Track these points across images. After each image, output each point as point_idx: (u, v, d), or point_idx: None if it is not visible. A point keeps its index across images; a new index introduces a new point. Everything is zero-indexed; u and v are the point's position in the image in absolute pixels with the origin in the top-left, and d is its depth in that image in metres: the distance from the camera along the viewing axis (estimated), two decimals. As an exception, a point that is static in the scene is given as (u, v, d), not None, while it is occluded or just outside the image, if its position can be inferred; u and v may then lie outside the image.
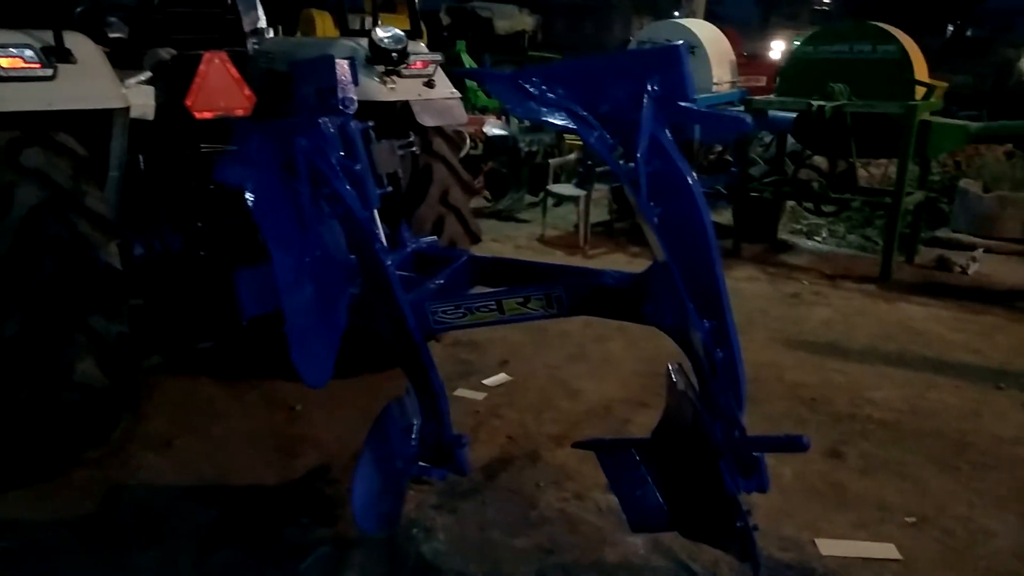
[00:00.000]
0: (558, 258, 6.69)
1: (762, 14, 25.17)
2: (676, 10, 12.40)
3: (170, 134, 3.60)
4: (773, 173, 6.97)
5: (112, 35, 4.03)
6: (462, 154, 4.43)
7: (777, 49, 16.90)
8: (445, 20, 17.30)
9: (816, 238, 7.35)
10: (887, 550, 2.82)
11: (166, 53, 3.53)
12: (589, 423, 3.75)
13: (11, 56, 2.90)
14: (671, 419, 2.40)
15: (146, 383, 3.97)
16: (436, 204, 3.94)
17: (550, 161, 7.96)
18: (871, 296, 5.72)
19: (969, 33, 18.33)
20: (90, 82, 3.08)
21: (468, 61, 12.19)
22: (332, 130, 2.56)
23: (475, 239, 4.14)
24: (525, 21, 18.37)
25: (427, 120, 3.84)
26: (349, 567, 2.73)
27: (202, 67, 3.45)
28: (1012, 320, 5.21)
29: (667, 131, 2.11)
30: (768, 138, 7.94)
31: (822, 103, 5.87)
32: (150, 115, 3.35)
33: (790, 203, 7.41)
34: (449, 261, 2.97)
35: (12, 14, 3.10)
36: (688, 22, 7.22)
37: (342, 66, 2.76)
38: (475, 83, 12.10)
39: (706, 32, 6.88)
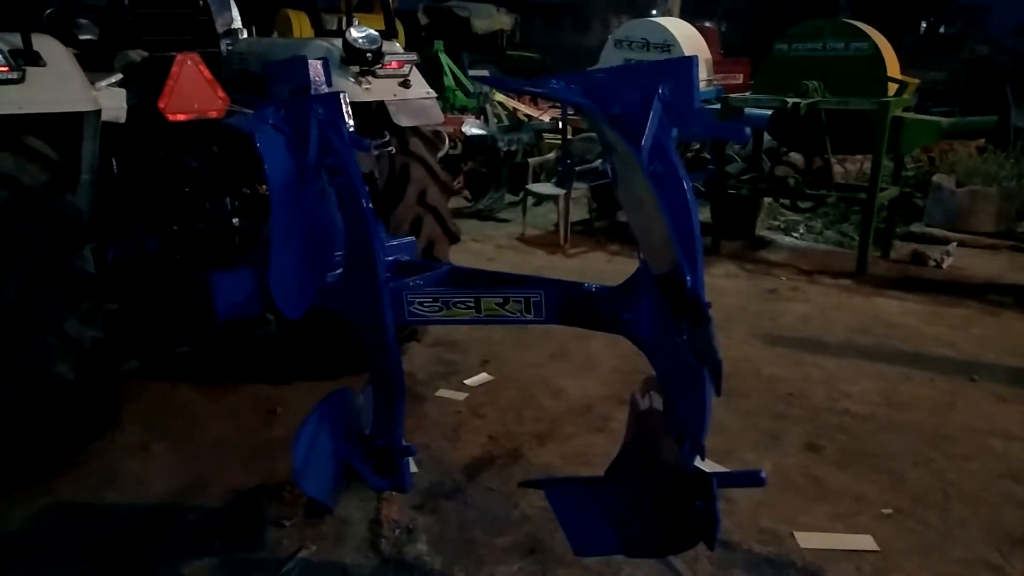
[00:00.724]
0: (538, 257, 6.71)
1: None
2: (653, 9, 12.46)
3: (143, 137, 3.57)
4: (750, 170, 7.03)
5: (82, 37, 3.97)
6: (440, 154, 4.43)
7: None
8: (423, 20, 17.27)
9: (793, 234, 7.42)
10: (864, 541, 2.86)
11: (137, 55, 3.49)
12: (571, 421, 3.76)
13: None
14: (635, 443, 2.40)
15: (123, 388, 3.94)
16: (414, 204, 3.93)
17: (530, 160, 7.97)
18: (847, 291, 5.78)
19: (942, 30, 18.58)
20: (60, 85, 3.04)
21: (446, 61, 12.19)
22: (345, 107, 2.60)
23: (454, 239, 4.13)
24: (503, 20, 18.37)
25: (403, 120, 3.82)
26: (331, 569, 2.72)
27: (174, 69, 3.41)
28: (985, 313, 5.30)
29: (672, 135, 2.13)
30: (745, 135, 7.99)
31: (797, 100, 5.93)
32: (122, 118, 3.31)
33: (767, 200, 7.47)
34: (430, 270, 2.97)
35: None
36: (664, 20, 7.26)
37: (315, 67, 2.76)
38: (453, 83, 12.12)
39: (682, 30, 6.92)
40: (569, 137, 7.32)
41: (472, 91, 11.90)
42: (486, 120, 8.39)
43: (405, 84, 3.90)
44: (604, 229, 7.39)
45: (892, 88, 5.94)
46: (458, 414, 3.80)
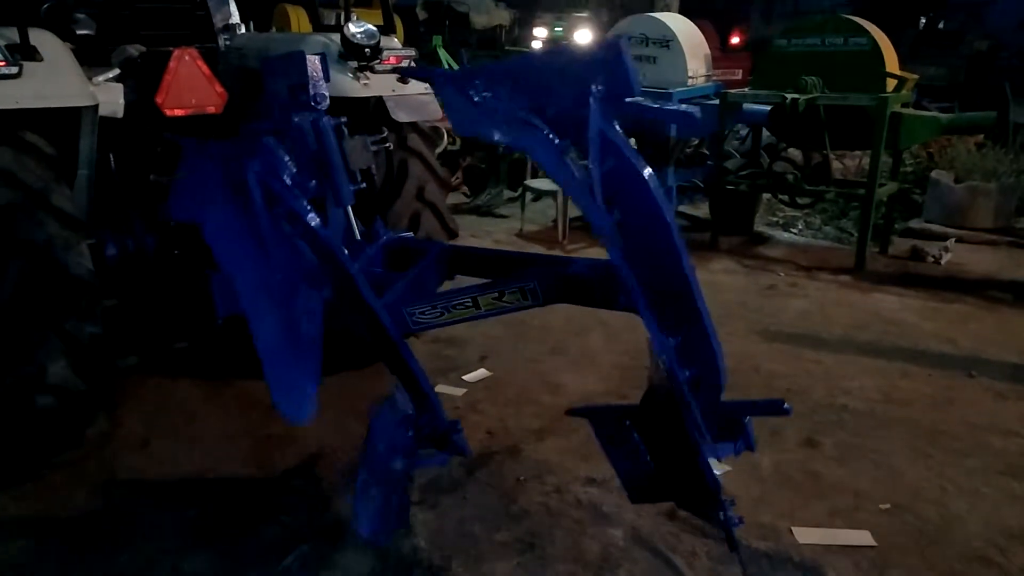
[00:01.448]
0: (537, 253, 6.68)
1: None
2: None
3: (141, 132, 3.56)
4: (749, 166, 7.02)
5: (79, 32, 3.95)
6: (439, 150, 4.42)
7: (539, 37, 15.80)
8: (421, 15, 17.21)
9: (792, 230, 7.41)
10: (862, 537, 2.86)
11: (135, 50, 3.49)
12: (570, 417, 3.75)
13: None
14: (654, 388, 2.43)
15: (122, 384, 3.93)
16: (412, 200, 3.93)
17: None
18: (846, 287, 5.78)
19: (941, 26, 18.54)
20: (57, 80, 3.03)
21: (444, 56, 12.14)
22: (280, 150, 2.52)
23: (452, 235, 4.13)
24: (502, 16, 18.32)
25: (401, 116, 3.82)
26: (330, 565, 2.73)
27: (172, 64, 3.41)
28: (983, 309, 5.30)
29: (616, 126, 2.10)
30: (744, 131, 7.99)
31: (795, 96, 5.92)
32: (120, 113, 3.31)
33: (766, 195, 7.47)
34: (421, 253, 2.96)
35: None
36: (663, 16, 7.22)
37: (313, 62, 2.74)
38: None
39: (681, 26, 6.89)
40: (568, 133, 7.29)
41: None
42: (485, 115, 8.37)
43: (403, 80, 3.89)
44: (603, 225, 7.37)
45: (891, 84, 5.93)
46: (456, 410, 3.80)
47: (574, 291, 2.51)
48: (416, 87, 3.93)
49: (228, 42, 4.26)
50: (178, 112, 3.45)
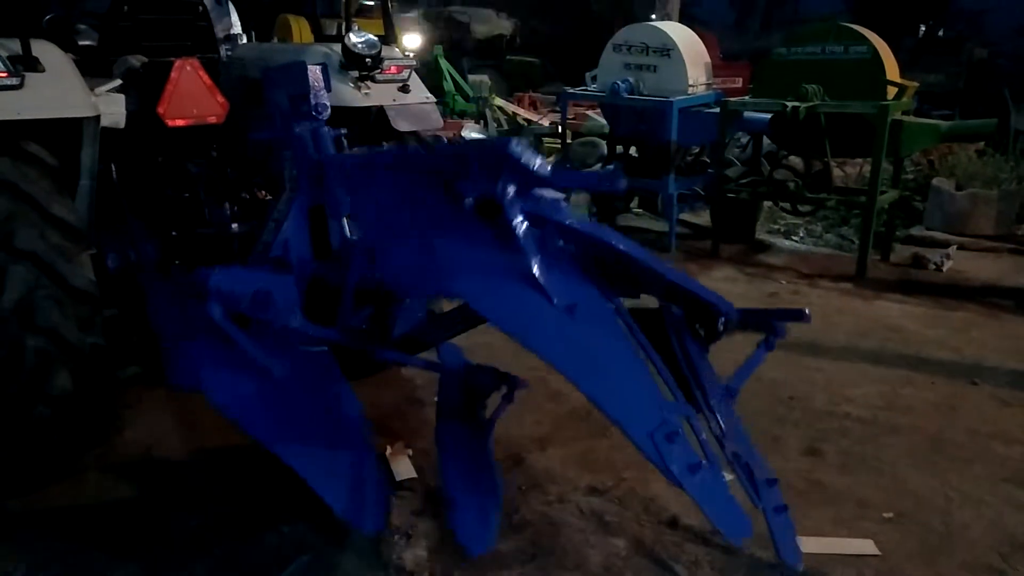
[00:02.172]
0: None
1: (737, 16, 25.37)
2: (652, 12, 12.43)
3: (142, 142, 3.57)
4: (750, 174, 7.02)
5: (81, 43, 3.99)
6: (439, 159, 4.42)
7: (411, 42, 13.35)
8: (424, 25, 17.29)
9: (793, 238, 7.41)
10: (866, 546, 2.85)
11: (137, 60, 3.50)
12: (571, 425, 3.75)
13: None
14: None
15: (123, 394, 3.93)
16: (413, 209, 3.93)
17: (529, 165, 7.95)
18: (848, 294, 5.77)
19: (941, 33, 18.60)
20: (59, 90, 3.04)
21: (445, 66, 12.18)
22: (230, 284, 2.48)
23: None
24: (503, 25, 18.41)
25: (402, 125, 3.83)
26: (331, 574, 2.71)
27: (174, 74, 3.42)
28: (986, 316, 5.29)
29: (557, 200, 2.14)
30: (744, 139, 8.00)
31: (796, 104, 5.93)
32: (121, 123, 3.32)
33: (767, 203, 7.46)
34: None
35: None
36: (663, 24, 7.24)
37: (314, 72, 2.76)
38: (452, 88, 12.13)
39: (681, 34, 6.90)
40: (568, 142, 7.32)
41: (472, 96, 11.91)
42: (486, 125, 8.41)
43: (404, 89, 3.91)
44: (604, 233, 7.37)
45: (891, 91, 5.94)
46: (458, 419, 3.79)
47: None
48: (417, 96, 3.95)
49: (230, 52, 4.28)
50: (180, 122, 3.46)
